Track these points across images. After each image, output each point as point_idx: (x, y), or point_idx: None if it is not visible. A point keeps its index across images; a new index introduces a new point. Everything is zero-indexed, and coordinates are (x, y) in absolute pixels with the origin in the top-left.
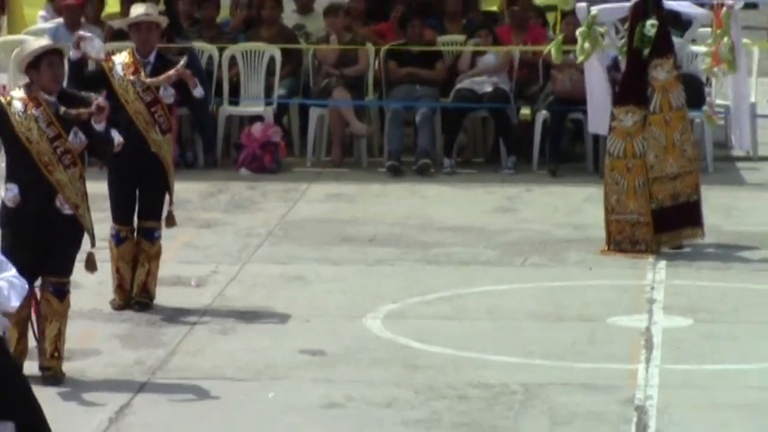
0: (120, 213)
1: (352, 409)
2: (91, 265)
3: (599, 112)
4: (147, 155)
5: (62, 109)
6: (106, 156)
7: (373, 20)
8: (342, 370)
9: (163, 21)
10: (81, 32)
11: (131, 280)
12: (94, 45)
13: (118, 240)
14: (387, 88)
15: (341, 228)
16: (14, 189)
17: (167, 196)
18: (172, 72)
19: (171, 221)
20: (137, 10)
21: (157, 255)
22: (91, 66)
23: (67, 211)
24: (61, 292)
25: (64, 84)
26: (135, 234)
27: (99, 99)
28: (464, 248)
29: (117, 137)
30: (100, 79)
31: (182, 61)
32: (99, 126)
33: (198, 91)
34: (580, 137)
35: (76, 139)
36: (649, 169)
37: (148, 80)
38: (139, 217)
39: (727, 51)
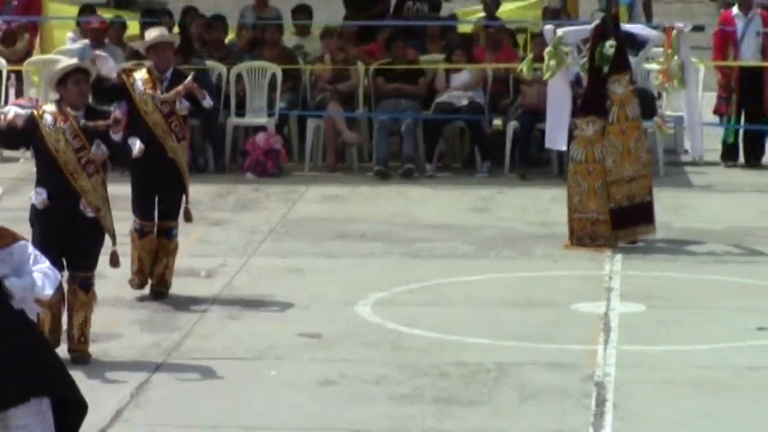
0: (143, 211)
1: (345, 386)
2: (114, 261)
3: (556, 128)
4: (165, 161)
5: (82, 121)
6: (125, 163)
7: (363, 42)
8: (336, 352)
9: (176, 39)
10: (97, 51)
11: (149, 267)
12: (107, 64)
13: (141, 233)
14: (375, 102)
15: (335, 226)
16: (43, 193)
17: (184, 197)
18: (180, 87)
19: (188, 217)
20: (152, 34)
21: (175, 250)
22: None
23: (90, 213)
24: (86, 285)
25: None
26: (155, 230)
27: (116, 112)
28: (444, 243)
29: (138, 144)
30: (121, 93)
31: (189, 77)
32: (116, 137)
33: (207, 102)
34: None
35: (99, 150)
36: (608, 173)
37: (162, 95)
38: (159, 217)
39: (677, 69)
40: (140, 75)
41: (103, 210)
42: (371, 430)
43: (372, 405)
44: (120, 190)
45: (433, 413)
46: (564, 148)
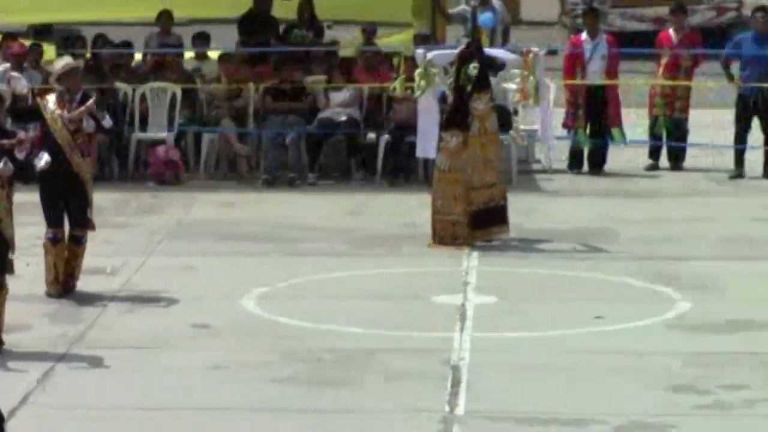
0: (53, 219)
1: (231, 371)
2: (10, 269)
3: (426, 139)
4: (71, 174)
5: None
6: (29, 179)
7: (255, 64)
8: (224, 340)
9: (80, 63)
10: (12, 73)
11: (63, 274)
12: (20, 83)
13: (54, 240)
14: (264, 118)
15: (226, 228)
16: None
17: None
18: (83, 108)
19: (91, 226)
20: (61, 63)
21: (83, 253)
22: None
23: None
24: None
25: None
26: (66, 238)
27: (21, 134)
28: (323, 243)
29: (45, 158)
30: (34, 114)
31: (91, 100)
32: (20, 155)
33: (106, 122)
34: (414, 155)
35: (6, 167)
36: (469, 180)
37: (68, 115)
38: (70, 227)
39: (533, 88)
40: (52, 97)
41: (5, 221)
42: (255, 409)
43: (255, 387)
44: (31, 198)
45: (309, 394)
46: (433, 156)
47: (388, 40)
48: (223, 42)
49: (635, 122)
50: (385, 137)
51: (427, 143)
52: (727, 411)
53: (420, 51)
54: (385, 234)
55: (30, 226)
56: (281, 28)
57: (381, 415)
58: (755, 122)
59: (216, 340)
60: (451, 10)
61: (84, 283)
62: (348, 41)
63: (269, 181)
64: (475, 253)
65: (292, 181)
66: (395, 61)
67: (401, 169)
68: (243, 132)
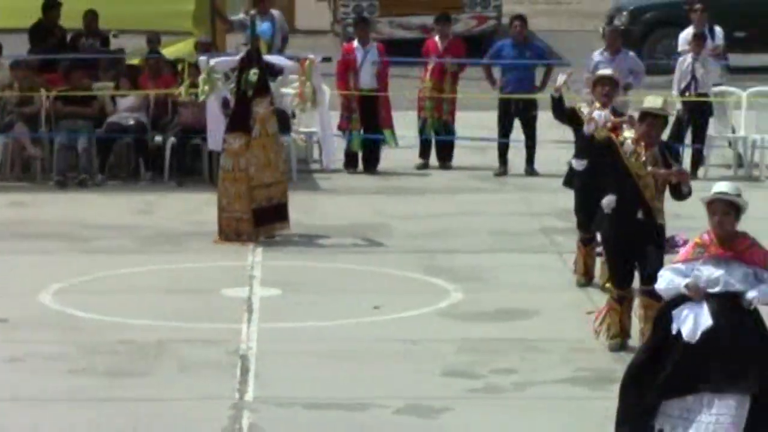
0: None
1: (29, 362)
2: None
3: (215, 134)
4: None
5: None
6: None
7: (46, 71)
8: (21, 334)
9: None
10: None
11: None
12: None
13: None
14: (55, 122)
15: (21, 227)
16: None
17: None
18: None
19: None
20: None
21: None
22: None
23: None
24: None
25: None
26: None
27: None
28: (114, 240)
29: None
30: None
31: None
32: None
33: None
34: (199, 157)
35: None
36: (251, 180)
37: None
38: None
39: (310, 92)
40: None
41: None
42: (52, 399)
43: (52, 379)
44: None
45: (105, 384)
46: (219, 148)
47: (171, 49)
48: (15, 50)
49: (406, 124)
50: (172, 140)
51: (216, 138)
52: (498, 394)
53: (203, 58)
54: (173, 231)
55: None
56: (69, 37)
57: (175, 403)
58: (516, 123)
59: (13, 334)
60: (232, 17)
61: None
62: (134, 49)
63: (61, 182)
64: (259, 249)
65: (83, 182)
66: (179, 67)
67: (188, 169)
68: (35, 136)
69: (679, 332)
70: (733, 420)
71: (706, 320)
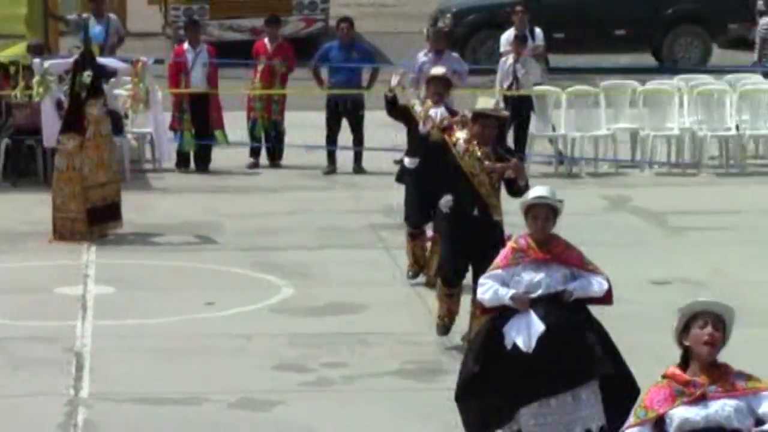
0: None
1: None
2: None
3: (50, 132)
4: None
5: None
6: None
7: None
8: None
9: None
10: None
11: None
12: None
13: None
14: None
15: None
16: None
17: None
18: None
19: None
20: None
21: None
22: None
23: None
24: None
25: None
26: None
27: None
28: None
29: None
30: None
31: None
32: None
33: None
34: (34, 158)
35: None
36: (85, 180)
37: None
38: None
39: (144, 94)
40: None
41: None
42: None
43: None
44: None
45: None
46: (55, 145)
47: (7, 52)
48: None
49: (236, 124)
50: (6, 141)
51: (50, 135)
52: (329, 387)
53: (37, 60)
54: (10, 231)
55: None
56: None
57: (10, 400)
58: (344, 122)
59: None
60: (68, 16)
61: None
62: None
63: None
64: (93, 247)
65: None
66: (11, 69)
67: (22, 170)
68: None
69: (514, 345)
70: (580, 414)
71: (538, 327)
